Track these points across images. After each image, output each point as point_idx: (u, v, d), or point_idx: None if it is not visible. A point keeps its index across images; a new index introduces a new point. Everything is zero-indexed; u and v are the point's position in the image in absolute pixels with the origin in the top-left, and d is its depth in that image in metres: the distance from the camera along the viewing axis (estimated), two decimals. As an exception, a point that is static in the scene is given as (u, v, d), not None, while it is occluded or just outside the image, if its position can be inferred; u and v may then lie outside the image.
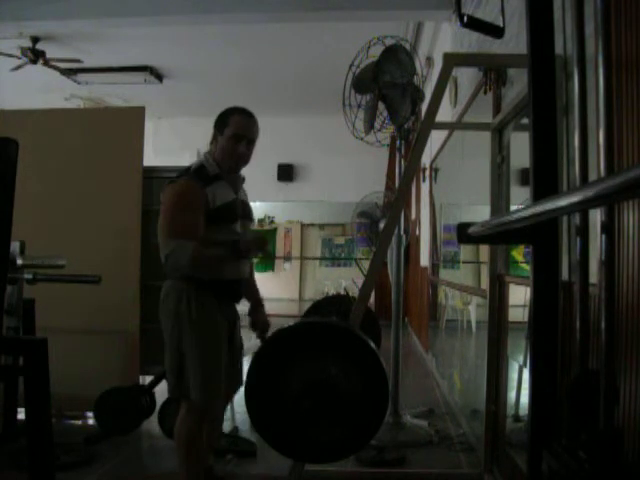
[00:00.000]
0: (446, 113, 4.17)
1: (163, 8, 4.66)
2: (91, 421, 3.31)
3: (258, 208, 10.43)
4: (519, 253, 2.82)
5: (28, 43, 5.94)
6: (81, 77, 7.04)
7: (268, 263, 11.49)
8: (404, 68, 3.31)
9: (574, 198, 0.82)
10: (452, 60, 2.11)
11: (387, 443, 2.98)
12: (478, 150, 3.19)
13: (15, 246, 2.53)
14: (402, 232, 3.71)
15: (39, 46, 6.02)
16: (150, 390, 3.19)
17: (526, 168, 1.65)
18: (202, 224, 2.04)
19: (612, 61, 1.47)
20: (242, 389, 2.16)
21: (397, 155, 3.64)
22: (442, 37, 5.00)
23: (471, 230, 1.52)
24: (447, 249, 4.86)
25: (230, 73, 7.16)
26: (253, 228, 2.34)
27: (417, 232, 6.97)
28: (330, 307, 3.19)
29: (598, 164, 1.48)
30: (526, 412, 1.80)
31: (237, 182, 2.24)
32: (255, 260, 2.51)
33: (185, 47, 6.31)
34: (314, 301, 3.54)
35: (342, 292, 6.08)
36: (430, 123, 2.11)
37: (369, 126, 3.46)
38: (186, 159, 9.17)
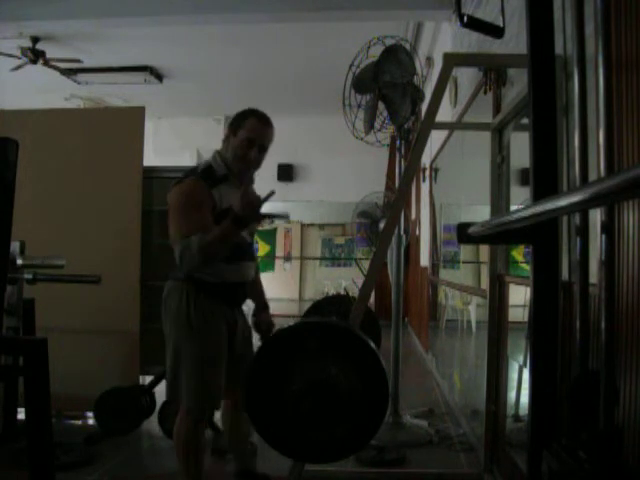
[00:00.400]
0: (446, 113, 4.17)
1: (163, 8, 4.66)
2: (91, 421, 3.31)
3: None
4: (519, 253, 2.82)
5: (28, 43, 5.94)
6: (81, 77, 7.04)
7: (269, 263, 11.49)
8: (404, 68, 3.31)
9: (574, 198, 0.82)
10: (452, 60, 2.11)
11: (387, 443, 2.98)
12: (478, 150, 3.19)
13: (15, 246, 2.53)
14: (402, 232, 3.70)
15: (39, 46, 6.01)
16: (150, 390, 3.19)
17: (526, 168, 1.65)
18: (209, 224, 2.00)
19: (612, 61, 1.47)
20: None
21: (397, 155, 3.64)
22: (442, 37, 5.00)
23: (471, 230, 1.52)
24: (447, 249, 4.86)
25: (230, 73, 7.16)
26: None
27: (417, 232, 6.97)
28: (330, 307, 3.19)
29: (598, 164, 1.48)
30: (526, 412, 1.80)
31: (242, 179, 2.19)
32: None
33: (185, 47, 6.31)
34: (314, 301, 3.54)
35: (342, 292, 6.08)
36: (430, 123, 2.10)
37: (369, 126, 3.46)
38: (186, 159, 9.22)
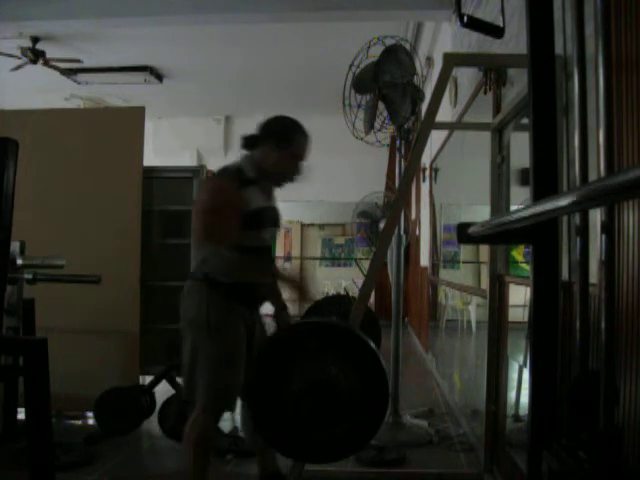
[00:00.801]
0: (446, 113, 4.17)
1: (163, 8, 4.65)
2: (91, 421, 3.31)
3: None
4: (519, 253, 2.82)
5: (28, 43, 5.94)
6: (81, 77, 7.04)
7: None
8: (404, 68, 3.31)
9: (574, 198, 0.82)
10: (452, 60, 2.11)
11: (387, 443, 2.98)
12: (478, 150, 3.19)
13: (15, 246, 2.53)
14: (402, 232, 3.70)
15: (39, 46, 6.01)
16: (150, 390, 3.19)
17: (526, 168, 1.65)
18: (237, 226, 2.03)
19: (612, 61, 1.47)
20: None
21: (397, 155, 3.64)
22: (442, 37, 5.00)
23: (471, 230, 1.52)
24: (447, 249, 4.86)
25: (230, 73, 7.16)
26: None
27: (417, 232, 6.97)
28: (330, 307, 3.19)
29: (598, 164, 1.48)
30: (526, 412, 1.80)
31: (270, 189, 2.25)
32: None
33: (185, 47, 6.30)
34: (314, 301, 3.54)
35: (342, 292, 6.08)
36: (430, 123, 2.10)
37: (369, 126, 3.46)
38: (186, 159, 9.19)
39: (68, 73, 6.74)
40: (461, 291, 4.04)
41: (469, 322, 3.79)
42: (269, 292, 2.31)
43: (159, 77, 7.14)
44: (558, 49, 1.77)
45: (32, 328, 2.93)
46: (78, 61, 6.34)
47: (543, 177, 1.47)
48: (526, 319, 2.24)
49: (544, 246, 1.50)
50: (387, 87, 3.33)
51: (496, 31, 1.96)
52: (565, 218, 1.78)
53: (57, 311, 3.26)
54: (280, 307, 2.41)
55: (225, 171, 2.15)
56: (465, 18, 1.92)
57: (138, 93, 7.49)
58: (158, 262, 3.70)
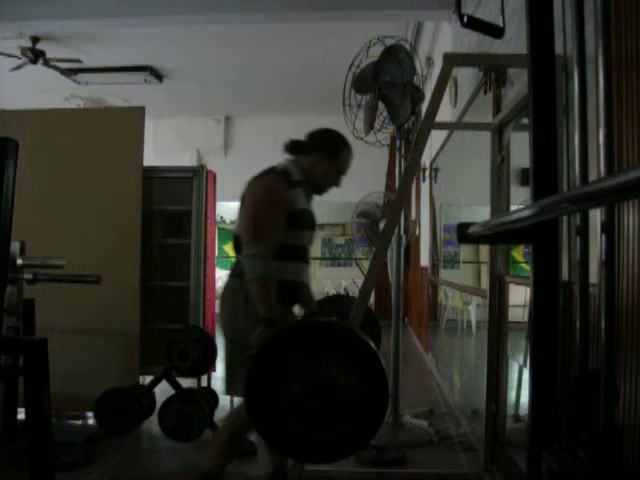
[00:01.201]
0: (446, 113, 4.17)
1: (163, 8, 4.65)
2: (91, 421, 3.31)
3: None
4: (519, 253, 2.83)
5: (28, 43, 5.94)
6: (81, 77, 7.03)
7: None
8: (404, 68, 3.31)
9: (574, 198, 0.82)
10: (452, 60, 2.11)
11: (387, 443, 2.98)
12: (478, 150, 3.19)
13: (15, 246, 2.53)
14: (402, 232, 3.71)
15: (39, 46, 6.01)
16: (150, 390, 3.20)
17: (526, 168, 1.65)
18: (283, 226, 2.09)
19: (612, 61, 1.47)
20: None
21: (397, 155, 3.64)
22: (442, 37, 5.00)
23: (471, 230, 1.52)
24: (447, 249, 4.86)
25: (230, 73, 7.16)
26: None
27: (417, 232, 6.97)
28: (330, 307, 3.19)
29: (598, 164, 1.48)
30: (526, 412, 1.80)
31: (310, 194, 2.32)
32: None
33: (185, 47, 6.30)
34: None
35: (342, 292, 6.08)
36: (430, 123, 2.10)
37: (369, 126, 3.46)
38: (186, 159, 9.18)
39: (68, 73, 6.74)
40: (461, 291, 4.04)
41: (469, 322, 3.78)
42: (304, 294, 2.33)
43: (159, 77, 7.14)
44: (558, 49, 1.77)
45: (32, 328, 2.93)
46: (78, 61, 6.34)
47: (543, 177, 1.47)
48: (526, 319, 2.24)
49: (544, 246, 1.49)
50: (387, 87, 3.33)
51: (496, 31, 1.96)
52: (565, 218, 1.78)
53: (57, 311, 3.26)
54: (312, 310, 2.43)
55: (272, 172, 2.21)
56: (465, 18, 1.92)
57: (138, 93, 7.49)
58: (158, 262, 3.70)
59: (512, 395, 2.58)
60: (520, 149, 2.35)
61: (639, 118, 1.38)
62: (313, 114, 8.58)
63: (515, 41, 2.40)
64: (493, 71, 2.74)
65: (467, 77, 3.73)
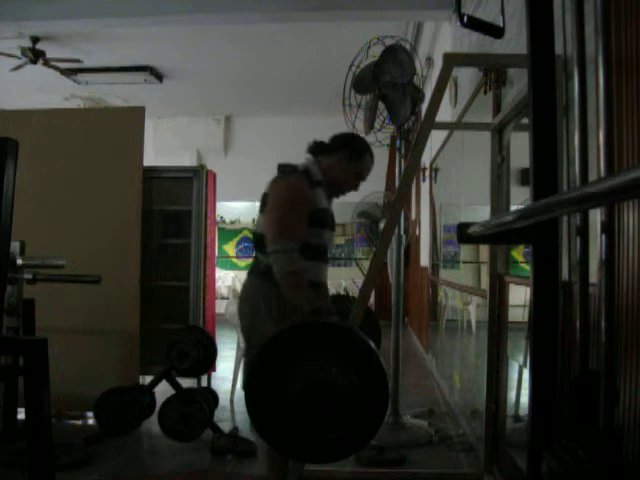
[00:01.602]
0: (446, 113, 4.17)
1: (163, 8, 4.65)
2: (91, 421, 3.31)
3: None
4: (519, 253, 2.82)
5: (28, 43, 5.94)
6: (81, 77, 7.04)
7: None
8: (404, 68, 3.31)
9: (574, 198, 0.82)
10: (452, 60, 2.11)
11: (387, 443, 2.98)
12: (478, 150, 3.19)
13: (15, 246, 2.53)
14: (402, 232, 3.71)
15: (39, 46, 6.01)
16: (150, 390, 3.19)
17: (526, 168, 1.65)
18: (306, 225, 2.11)
19: (612, 61, 1.47)
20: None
21: (397, 155, 3.64)
22: (442, 37, 5.00)
23: (471, 230, 1.52)
24: (447, 249, 4.86)
25: (230, 73, 7.16)
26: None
27: (417, 232, 6.97)
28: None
29: (598, 164, 1.48)
30: (526, 412, 1.80)
31: (329, 195, 2.32)
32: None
33: (185, 47, 6.30)
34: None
35: (342, 292, 6.09)
36: (430, 123, 2.10)
37: (369, 126, 3.46)
38: (186, 159, 9.17)
39: (68, 73, 6.74)
40: (461, 291, 4.03)
41: (469, 322, 3.78)
42: (320, 293, 2.33)
43: (159, 77, 7.14)
44: (558, 49, 1.77)
45: (32, 328, 2.93)
46: (78, 61, 6.34)
47: (543, 177, 1.47)
48: (526, 319, 2.24)
49: (544, 246, 1.49)
50: (387, 87, 3.33)
51: (496, 31, 1.96)
52: (565, 218, 1.78)
53: (57, 311, 3.26)
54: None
55: (295, 171, 2.23)
56: (465, 18, 1.91)
57: (138, 93, 7.49)
58: (158, 262, 3.70)
59: (512, 395, 2.58)
60: (520, 149, 2.35)
61: (639, 118, 1.38)
62: (313, 114, 8.61)
63: (515, 41, 2.40)
64: (493, 71, 2.74)
65: (467, 77, 3.73)
